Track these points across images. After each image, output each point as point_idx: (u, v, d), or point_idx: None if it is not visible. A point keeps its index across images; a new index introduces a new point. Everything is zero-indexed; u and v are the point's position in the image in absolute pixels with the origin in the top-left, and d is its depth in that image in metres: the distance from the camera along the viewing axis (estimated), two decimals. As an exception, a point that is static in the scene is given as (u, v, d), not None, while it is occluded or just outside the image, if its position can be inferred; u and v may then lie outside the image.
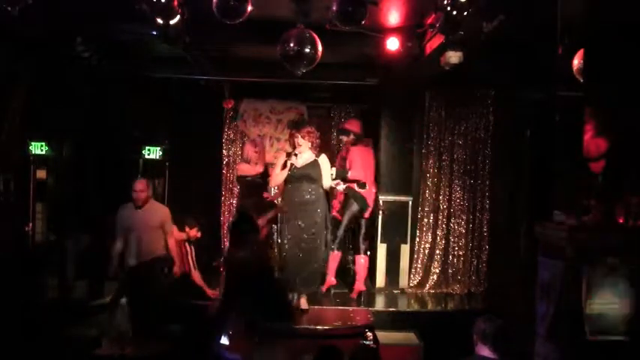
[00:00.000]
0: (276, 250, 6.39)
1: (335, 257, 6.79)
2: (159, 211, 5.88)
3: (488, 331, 3.44)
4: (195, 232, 6.72)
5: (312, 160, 5.84)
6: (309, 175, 5.77)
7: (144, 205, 5.72)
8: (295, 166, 5.76)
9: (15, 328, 5.37)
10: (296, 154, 5.80)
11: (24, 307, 5.77)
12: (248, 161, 7.05)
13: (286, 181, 5.86)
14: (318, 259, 5.93)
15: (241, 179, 7.17)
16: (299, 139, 5.80)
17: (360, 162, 6.72)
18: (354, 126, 7.08)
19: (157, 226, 5.76)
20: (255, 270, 4.90)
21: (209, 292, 6.43)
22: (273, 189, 7.01)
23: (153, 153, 7.89)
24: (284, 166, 5.81)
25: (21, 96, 6.43)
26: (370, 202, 6.80)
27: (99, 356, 5.10)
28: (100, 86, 7.27)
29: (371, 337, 5.02)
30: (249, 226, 4.96)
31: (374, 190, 6.89)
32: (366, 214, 6.87)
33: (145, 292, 5.45)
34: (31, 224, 6.85)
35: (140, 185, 5.73)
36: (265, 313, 4.60)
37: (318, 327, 5.65)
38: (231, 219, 6.06)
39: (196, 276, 6.63)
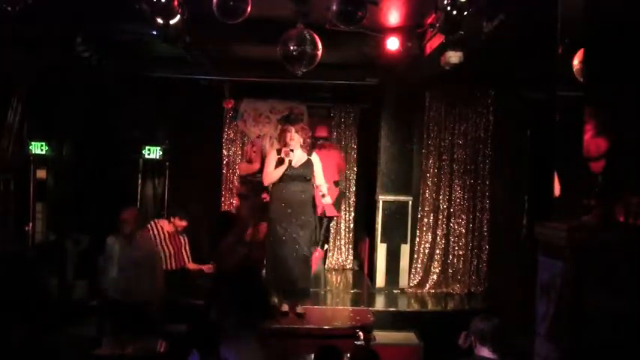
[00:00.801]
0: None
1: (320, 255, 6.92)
2: (145, 248, 5.50)
3: (486, 331, 3.44)
4: (179, 221, 6.69)
5: (305, 159, 5.70)
6: (303, 174, 5.65)
7: (131, 237, 5.34)
8: (292, 166, 5.61)
9: (15, 327, 5.37)
10: (292, 150, 5.60)
11: (24, 307, 5.76)
12: (248, 161, 7.14)
13: (280, 181, 5.67)
14: (303, 264, 5.90)
15: (242, 179, 7.25)
16: (292, 133, 5.61)
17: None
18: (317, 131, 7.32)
19: (143, 264, 5.36)
20: (244, 266, 4.90)
21: (206, 267, 6.53)
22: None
23: (153, 153, 7.89)
24: (279, 163, 5.61)
25: (21, 96, 6.43)
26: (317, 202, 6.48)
27: (99, 356, 5.10)
28: (100, 86, 7.27)
29: (362, 337, 5.01)
30: (228, 223, 4.95)
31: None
32: (319, 213, 6.81)
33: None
34: (31, 224, 6.84)
35: (126, 214, 5.34)
36: (247, 311, 4.57)
37: (318, 327, 5.65)
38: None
39: (192, 265, 6.74)
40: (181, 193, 8.81)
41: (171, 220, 6.72)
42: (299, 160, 5.67)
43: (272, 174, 5.67)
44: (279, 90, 8.28)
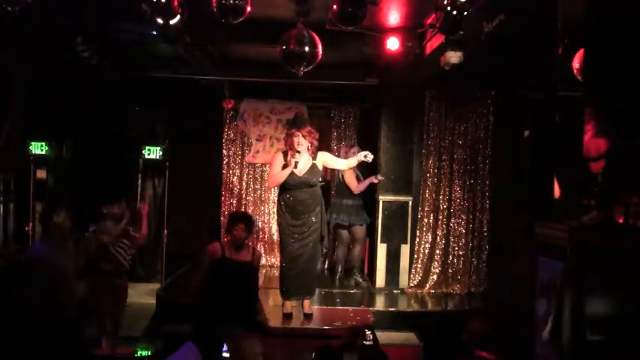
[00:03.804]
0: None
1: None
2: None
3: (482, 332, 3.45)
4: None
5: (310, 164, 5.62)
6: (308, 181, 5.60)
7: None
8: (297, 174, 5.56)
9: (15, 328, 5.36)
10: (299, 151, 5.51)
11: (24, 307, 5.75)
12: None
13: (285, 189, 5.63)
14: (319, 261, 5.94)
15: None
16: (300, 138, 5.51)
17: None
18: None
19: None
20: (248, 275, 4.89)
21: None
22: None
23: (153, 153, 7.88)
24: (285, 165, 5.54)
25: (21, 96, 6.44)
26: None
27: (99, 356, 5.10)
28: (100, 86, 7.27)
29: (371, 337, 5.02)
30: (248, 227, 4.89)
31: None
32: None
33: None
34: (31, 224, 6.84)
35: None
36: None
37: (318, 327, 5.66)
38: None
39: None
40: (181, 194, 8.82)
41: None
42: (304, 167, 5.59)
43: (277, 176, 5.61)
44: (279, 90, 8.28)
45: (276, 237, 8.44)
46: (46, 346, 4.43)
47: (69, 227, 4.51)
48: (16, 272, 5.90)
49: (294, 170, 5.53)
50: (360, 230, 7.37)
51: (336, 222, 7.27)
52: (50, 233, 4.47)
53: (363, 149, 8.39)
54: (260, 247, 8.57)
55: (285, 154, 5.63)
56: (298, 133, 5.53)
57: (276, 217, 8.34)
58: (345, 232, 7.35)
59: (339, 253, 7.46)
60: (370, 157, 5.69)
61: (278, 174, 5.58)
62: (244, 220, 4.92)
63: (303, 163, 5.59)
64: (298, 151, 5.51)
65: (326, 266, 7.91)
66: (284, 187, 5.66)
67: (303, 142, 5.53)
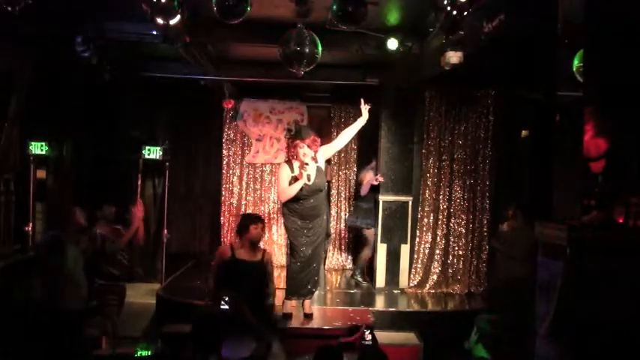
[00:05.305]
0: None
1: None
2: None
3: (486, 332, 3.45)
4: None
5: (315, 168, 5.54)
6: (319, 186, 5.57)
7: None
8: (308, 184, 5.46)
9: (15, 328, 5.37)
10: (307, 163, 5.45)
11: (24, 307, 5.75)
12: None
13: (297, 198, 5.51)
14: (322, 262, 5.96)
15: None
16: (305, 149, 5.46)
17: None
18: None
19: None
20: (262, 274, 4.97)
21: None
22: None
23: (153, 153, 7.87)
24: (295, 178, 5.46)
25: (21, 96, 6.43)
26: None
27: (99, 356, 5.10)
28: (100, 86, 7.27)
29: (369, 337, 5.02)
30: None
31: None
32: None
33: None
34: (31, 224, 6.83)
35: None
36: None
37: (318, 327, 5.66)
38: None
39: None
40: (181, 194, 8.83)
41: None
42: (312, 174, 5.52)
43: (287, 190, 5.51)
44: (279, 90, 8.29)
45: (275, 237, 8.47)
46: (50, 340, 4.52)
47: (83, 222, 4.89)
48: (23, 265, 5.98)
49: (310, 172, 5.48)
50: (368, 233, 7.43)
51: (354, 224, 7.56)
52: (64, 226, 4.81)
53: (362, 149, 8.51)
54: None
55: (288, 163, 5.58)
56: (303, 144, 5.48)
57: (276, 219, 8.45)
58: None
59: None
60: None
61: (289, 188, 5.49)
62: (262, 220, 5.08)
63: (311, 172, 5.53)
64: (307, 163, 5.46)
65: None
66: (295, 196, 5.55)
67: (308, 153, 5.49)
